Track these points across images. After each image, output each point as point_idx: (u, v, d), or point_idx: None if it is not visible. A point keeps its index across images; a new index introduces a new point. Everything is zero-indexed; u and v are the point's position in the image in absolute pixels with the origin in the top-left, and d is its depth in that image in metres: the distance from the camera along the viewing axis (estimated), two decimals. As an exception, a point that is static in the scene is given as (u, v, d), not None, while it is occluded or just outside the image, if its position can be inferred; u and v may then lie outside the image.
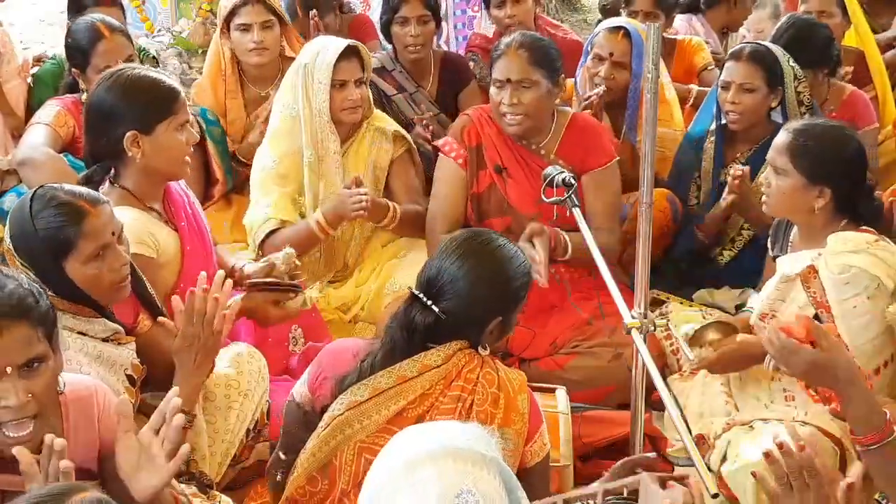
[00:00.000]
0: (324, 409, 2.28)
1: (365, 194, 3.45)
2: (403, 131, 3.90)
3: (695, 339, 2.96)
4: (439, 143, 3.73)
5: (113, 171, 2.86)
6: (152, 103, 2.82)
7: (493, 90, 3.55)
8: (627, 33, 4.05)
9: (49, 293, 2.34)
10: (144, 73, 2.88)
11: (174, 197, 2.98)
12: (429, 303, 2.25)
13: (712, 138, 3.83)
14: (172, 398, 2.00)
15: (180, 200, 3.00)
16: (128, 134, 2.78)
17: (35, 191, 2.42)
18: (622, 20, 4.27)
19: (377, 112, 3.89)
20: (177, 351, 2.49)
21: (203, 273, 2.53)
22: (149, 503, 1.97)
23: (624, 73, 4.04)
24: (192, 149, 2.94)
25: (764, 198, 3.00)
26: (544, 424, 2.34)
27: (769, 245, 3.21)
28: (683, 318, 3.45)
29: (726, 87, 3.70)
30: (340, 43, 3.66)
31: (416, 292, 2.28)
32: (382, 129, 3.81)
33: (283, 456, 2.40)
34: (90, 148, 2.89)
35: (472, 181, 3.61)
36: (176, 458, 1.95)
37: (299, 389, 2.38)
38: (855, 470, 1.82)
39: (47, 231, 2.36)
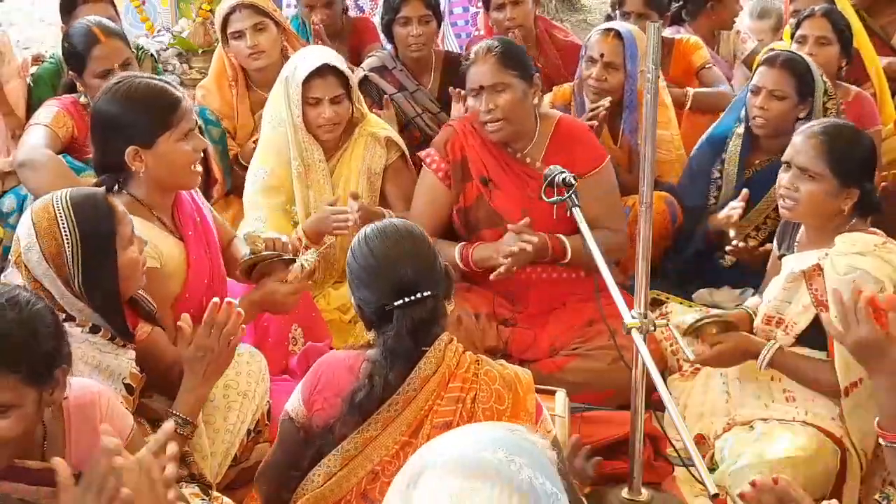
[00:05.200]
0: (326, 426, 2.23)
1: (347, 212, 3.38)
2: (397, 136, 3.88)
3: (694, 333, 2.96)
4: (422, 154, 3.72)
5: (122, 178, 2.83)
6: (152, 117, 2.76)
7: (469, 100, 3.54)
8: (618, 34, 4.04)
9: (86, 303, 2.39)
10: (145, 83, 2.82)
11: (184, 205, 2.96)
12: (415, 297, 2.21)
13: (738, 140, 3.82)
14: (166, 427, 1.95)
15: (189, 208, 2.98)
16: (128, 150, 2.75)
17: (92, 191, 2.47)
18: (614, 23, 4.27)
19: (371, 117, 3.88)
20: (188, 360, 2.48)
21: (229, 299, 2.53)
22: None
23: (616, 75, 4.01)
24: (200, 155, 2.88)
25: (786, 202, 2.97)
26: (545, 411, 2.32)
27: (775, 244, 3.21)
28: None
29: (756, 91, 3.68)
30: (315, 60, 3.64)
31: (398, 302, 2.21)
32: (375, 135, 3.80)
33: (278, 471, 2.34)
34: (97, 159, 2.87)
35: (459, 195, 3.60)
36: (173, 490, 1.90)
37: (293, 406, 2.33)
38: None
39: (104, 221, 2.40)
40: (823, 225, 2.94)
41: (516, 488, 1.28)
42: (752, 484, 1.81)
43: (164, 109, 2.78)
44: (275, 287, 2.91)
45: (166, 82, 2.88)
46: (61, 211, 2.38)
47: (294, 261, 2.94)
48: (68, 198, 2.41)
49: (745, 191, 3.61)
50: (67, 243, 2.36)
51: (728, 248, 3.53)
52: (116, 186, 2.82)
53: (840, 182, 2.87)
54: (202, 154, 3.95)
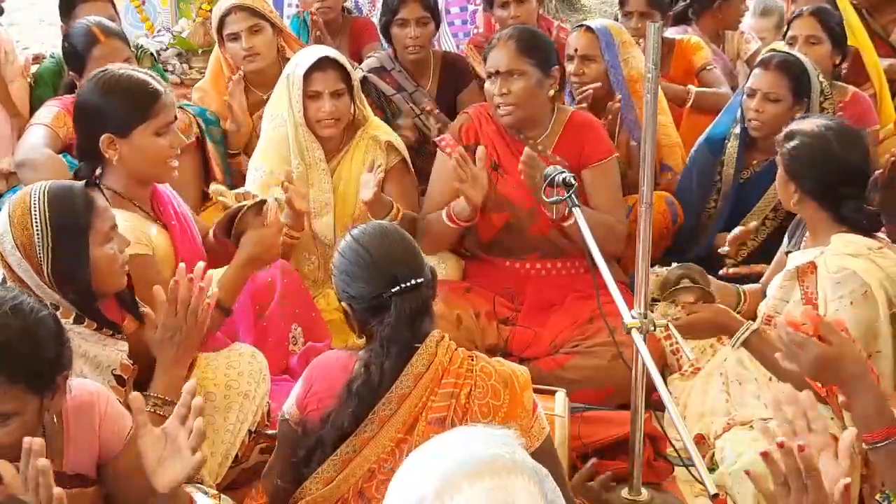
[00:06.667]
0: (322, 422, 2.24)
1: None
2: (398, 141, 3.88)
3: (670, 297, 2.93)
4: (437, 139, 3.77)
5: (99, 169, 2.84)
6: (129, 106, 2.78)
7: (486, 83, 3.61)
8: (589, 28, 4.11)
9: (61, 295, 2.38)
10: (127, 74, 2.83)
11: (161, 196, 2.97)
12: (411, 283, 2.24)
13: (735, 142, 3.82)
14: (190, 386, 2.01)
15: (166, 199, 2.99)
16: (102, 137, 2.77)
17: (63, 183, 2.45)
18: (589, 21, 4.31)
19: (373, 120, 3.88)
20: (157, 342, 2.48)
21: (182, 264, 2.53)
22: (168, 495, 1.98)
23: (594, 66, 4.09)
24: (178, 151, 2.89)
25: None
26: (540, 406, 2.33)
27: (786, 238, 3.22)
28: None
29: (751, 94, 3.68)
30: (316, 53, 3.66)
31: (395, 289, 2.24)
32: (377, 139, 3.79)
33: (280, 480, 2.35)
34: (78, 146, 2.89)
35: None
36: (199, 453, 1.96)
37: (289, 408, 2.35)
38: (844, 461, 1.80)
39: (78, 213, 2.39)
40: (807, 220, 2.99)
41: (530, 473, 1.34)
42: (780, 445, 1.79)
43: (143, 100, 2.79)
44: (258, 234, 2.91)
45: (151, 75, 2.88)
46: (36, 201, 2.38)
47: (265, 201, 2.96)
48: (46, 189, 2.41)
49: (753, 224, 3.64)
50: (38, 233, 2.36)
51: (722, 272, 3.53)
52: (95, 179, 2.81)
53: (784, 171, 2.94)
54: (202, 154, 4.03)
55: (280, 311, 3.34)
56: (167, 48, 5.05)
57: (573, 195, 2.87)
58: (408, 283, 2.23)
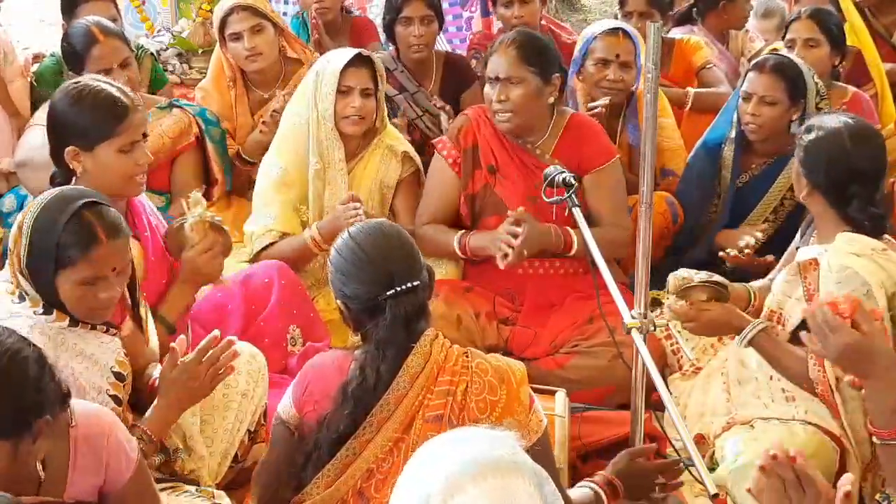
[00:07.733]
0: (318, 425, 2.23)
1: (359, 208, 3.38)
2: (413, 152, 3.87)
3: (682, 295, 2.94)
4: (435, 141, 3.76)
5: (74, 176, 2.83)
6: (95, 122, 2.77)
7: (486, 87, 3.58)
8: (626, 33, 4.06)
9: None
10: (99, 89, 2.81)
11: (136, 207, 2.97)
12: (407, 286, 2.22)
13: (731, 146, 3.82)
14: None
15: (141, 210, 2.99)
16: (67, 149, 2.77)
17: (86, 200, 2.38)
18: (614, 22, 4.28)
19: (389, 129, 3.87)
20: (169, 380, 2.45)
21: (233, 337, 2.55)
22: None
23: (631, 73, 4.04)
24: (145, 167, 2.87)
25: None
26: (537, 401, 2.32)
27: (798, 235, 3.22)
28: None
29: (747, 98, 3.68)
30: (351, 51, 3.67)
31: (391, 291, 2.22)
32: (392, 148, 3.79)
33: (274, 472, 2.34)
34: (51, 153, 2.88)
35: (468, 182, 3.63)
36: None
37: (284, 409, 2.33)
38: (847, 478, 1.79)
39: (61, 239, 2.32)
40: (815, 217, 2.97)
41: (530, 475, 1.36)
42: (773, 457, 1.77)
43: (110, 117, 2.78)
44: (188, 255, 2.90)
45: (123, 91, 2.86)
46: (35, 205, 2.37)
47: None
48: (47, 197, 2.38)
49: (763, 227, 3.62)
50: (24, 236, 2.35)
51: (722, 254, 3.51)
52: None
53: (800, 165, 2.93)
54: (202, 155, 4.03)
55: (277, 312, 3.34)
56: (167, 48, 5.05)
57: (573, 195, 2.87)
58: (403, 286, 2.21)
